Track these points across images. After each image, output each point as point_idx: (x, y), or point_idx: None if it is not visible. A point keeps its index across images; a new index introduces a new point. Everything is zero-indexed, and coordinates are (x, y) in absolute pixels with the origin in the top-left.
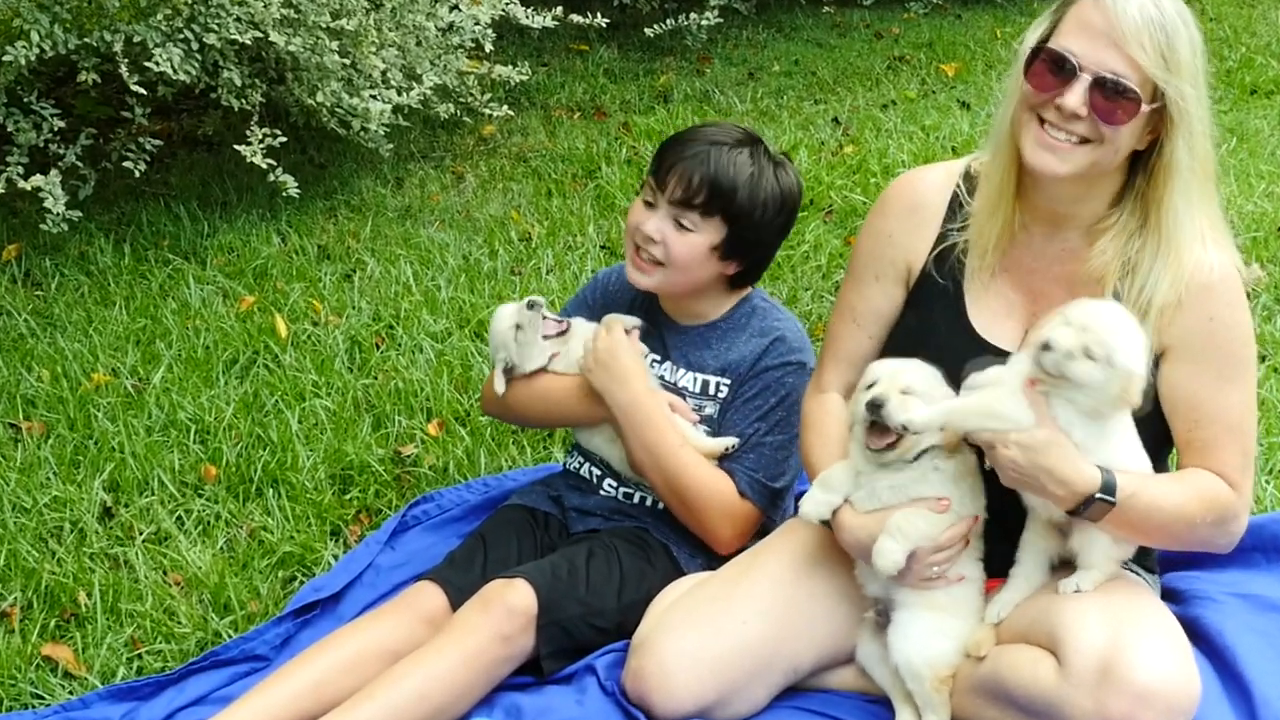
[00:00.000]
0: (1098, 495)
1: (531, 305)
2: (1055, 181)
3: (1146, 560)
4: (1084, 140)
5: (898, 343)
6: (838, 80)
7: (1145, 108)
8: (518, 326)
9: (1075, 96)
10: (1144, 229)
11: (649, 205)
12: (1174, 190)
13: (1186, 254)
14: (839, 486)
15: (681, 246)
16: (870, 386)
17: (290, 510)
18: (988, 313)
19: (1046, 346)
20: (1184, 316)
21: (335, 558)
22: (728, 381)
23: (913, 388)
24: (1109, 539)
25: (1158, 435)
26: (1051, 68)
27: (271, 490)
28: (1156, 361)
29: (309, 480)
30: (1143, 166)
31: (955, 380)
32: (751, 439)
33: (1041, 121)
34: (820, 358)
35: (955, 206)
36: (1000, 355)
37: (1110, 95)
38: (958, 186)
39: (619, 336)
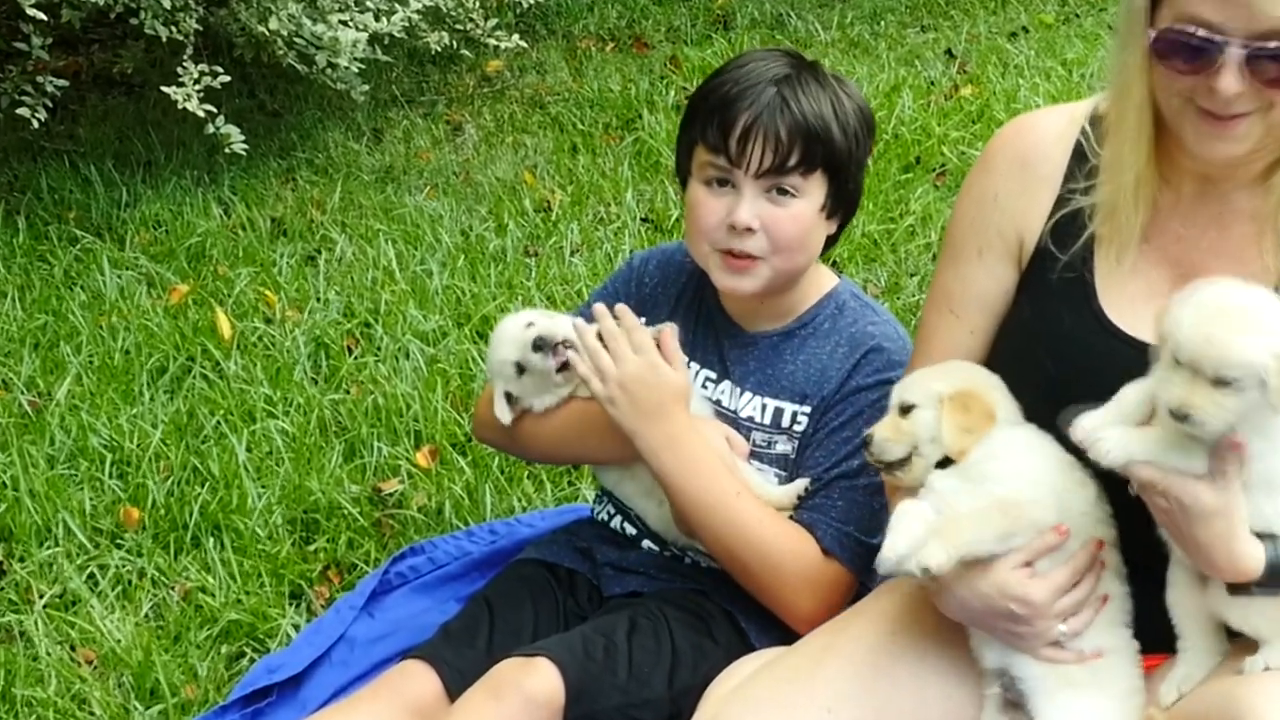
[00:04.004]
0: (1254, 589)
1: (540, 346)
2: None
3: None
4: (1251, 111)
5: (1010, 339)
6: (952, 0)
7: None
8: (519, 366)
9: (1230, 79)
10: None
11: (720, 186)
12: None
13: None
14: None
15: (789, 224)
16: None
17: (237, 566)
18: (1124, 297)
19: (1183, 415)
20: None
21: (296, 628)
22: (807, 410)
23: (917, 397)
24: None
25: None
26: (1186, 49)
27: (212, 540)
28: None
29: (261, 526)
30: None
31: (1089, 387)
32: (839, 481)
33: (1194, 103)
34: (910, 361)
35: (1079, 160)
36: (1141, 350)
37: (1273, 60)
38: (1083, 133)
39: (653, 357)
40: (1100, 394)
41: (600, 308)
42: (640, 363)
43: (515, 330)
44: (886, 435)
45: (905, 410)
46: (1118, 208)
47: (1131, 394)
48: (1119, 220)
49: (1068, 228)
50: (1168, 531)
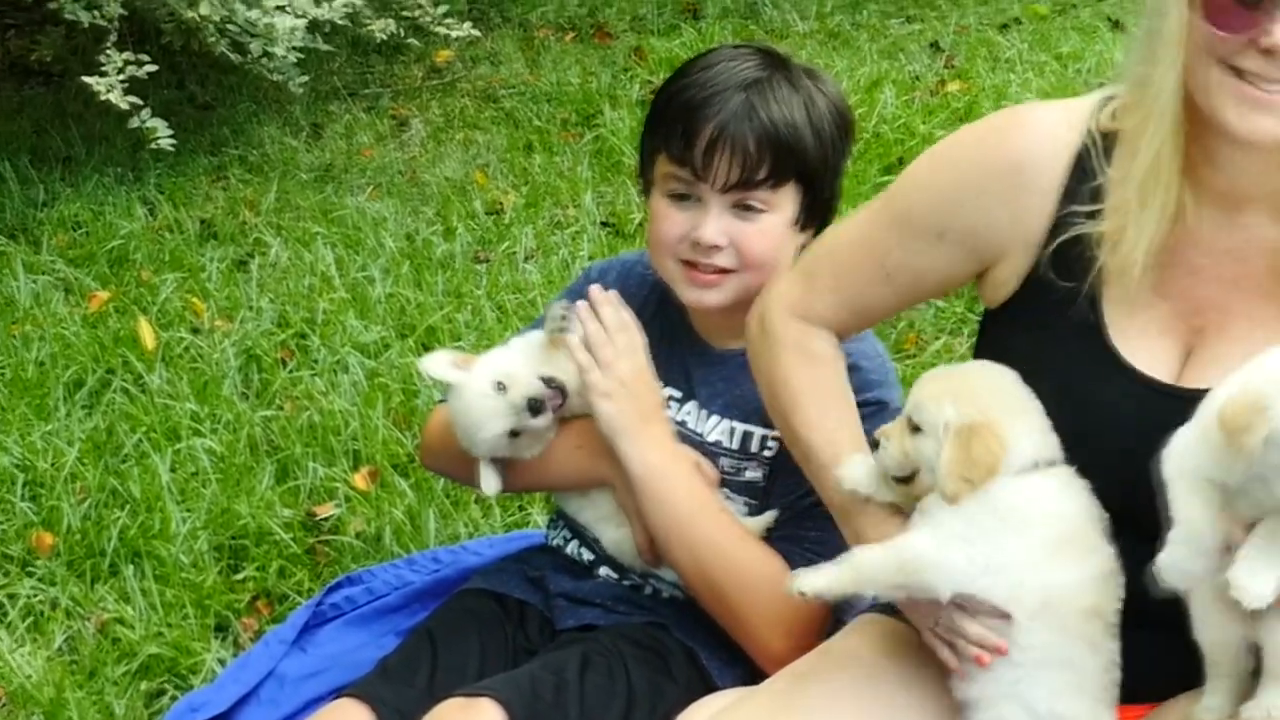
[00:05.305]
0: None
1: (537, 408)
2: (1267, 149)
3: None
4: None
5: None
6: None
7: None
8: (514, 434)
9: None
10: None
11: (683, 200)
12: None
13: None
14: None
15: (758, 240)
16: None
17: (158, 596)
18: (1135, 332)
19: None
20: None
21: (222, 663)
22: (777, 434)
23: (924, 420)
24: None
25: None
26: None
27: (131, 567)
28: None
29: (185, 553)
30: None
31: (1098, 426)
32: (813, 510)
33: (1238, 72)
34: (812, 271)
35: (1080, 176)
36: (1155, 388)
37: None
38: (1088, 141)
39: (645, 358)
40: (1108, 433)
41: (599, 293)
42: (639, 360)
43: (489, 398)
44: (893, 451)
45: (914, 428)
46: (1136, 241)
47: (1199, 518)
48: (1133, 252)
49: (1071, 254)
50: None
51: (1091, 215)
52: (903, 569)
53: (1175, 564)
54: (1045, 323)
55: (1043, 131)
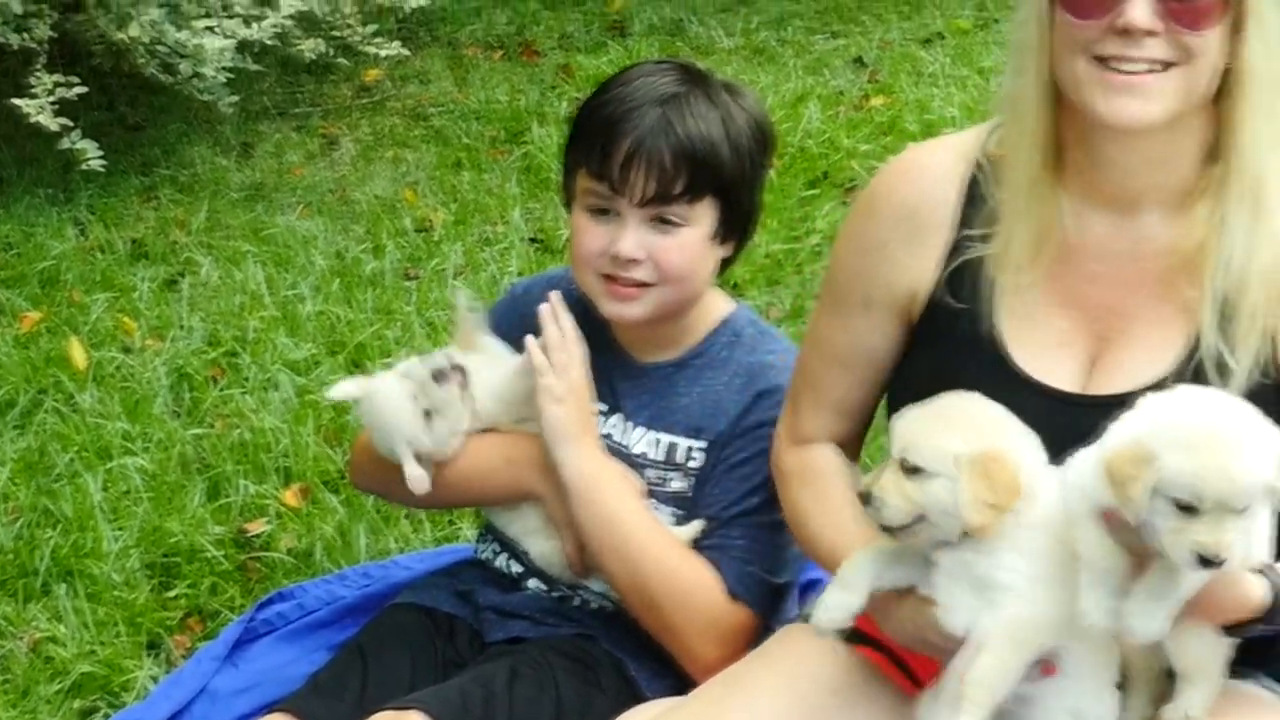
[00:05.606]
0: (1259, 628)
1: (439, 376)
2: (1142, 136)
3: None
4: (1166, 65)
5: (911, 392)
6: (862, 5)
7: None
8: (428, 413)
9: (1140, 8)
10: (1225, 180)
11: (601, 214)
12: (1250, 111)
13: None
14: (861, 582)
15: (676, 254)
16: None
17: (90, 614)
18: (1036, 344)
19: (1217, 559)
20: None
21: (153, 680)
22: (702, 445)
23: (925, 460)
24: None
25: None
26: None
27: (63, 586)
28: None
29: (116, 572)
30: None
31: None
32: (739, 520)
33: (1102, 62)
34: (794, 397)
35: (973, 202)
36: (1059, 399)
37: None
38: (977, 170)
39: (581, 353)
40: None
41: (558, 300)
42: (583, 371)
43: (395, 384)
44: (892, 501)
45: (911, 471)
46: (1020, 255)
47: (1104, 557)
48: (1021, 268)
49: (966, 276)
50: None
51: (985, 238)
52: (1023, 649)
53: (1096, 608)
54: (948, 345)
55: (929, 171)
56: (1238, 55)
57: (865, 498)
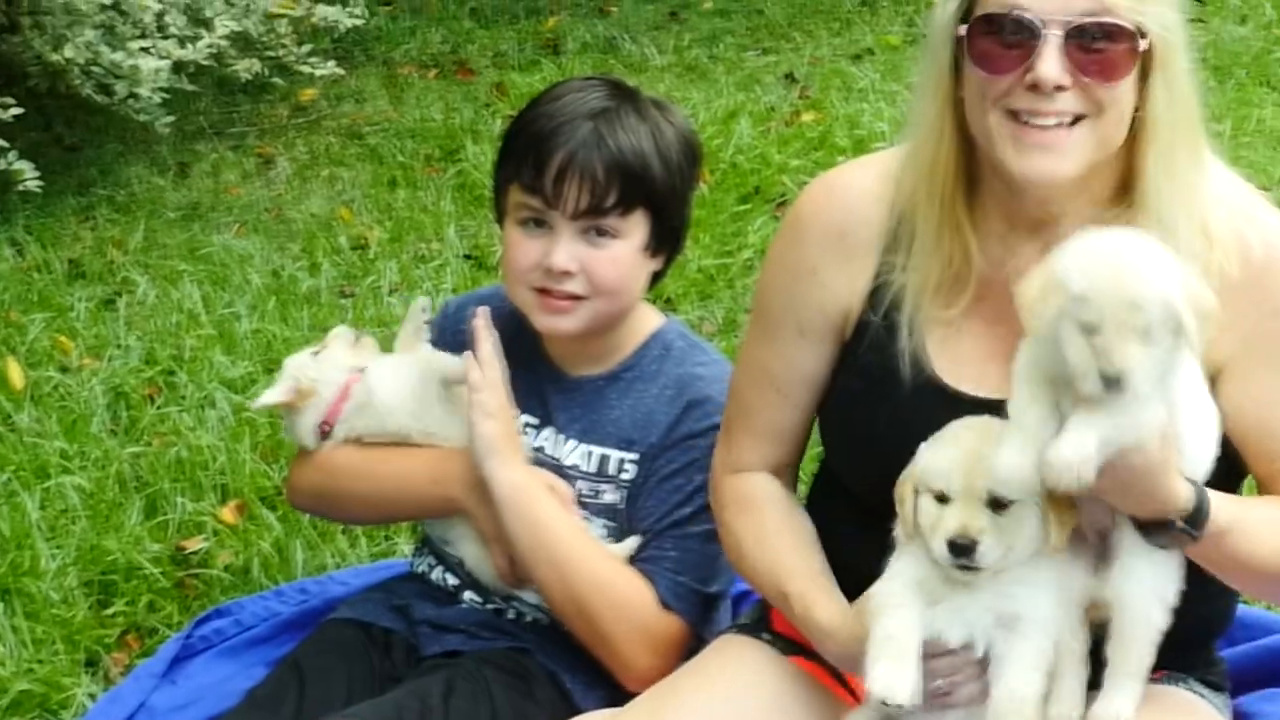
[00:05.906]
0: (1179, 524)
1: (355, 339)
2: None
3: (1211, 673)
4: (1078, 118)
5: (839, 411)
6: (793, 22)
7: (1141, 43)
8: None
9: (1050, 63)
10: (1133, 221)
11: (536, 226)
12: (1154, 158)
13: (1185, 238)
14: (914, 648)
15: (609, 267)
16: (940, 499)
17: (28, 632)
18: (960, 359)
19: (1117, 379)
20: (1236, 316)
21: (92, 697)
22: (634, 457)
23: (1000, 484)
24: (1152, 600)
25: (1229, 471)
26: (1000, 39)
27: (1, 605)
28: (1212, 382)
29: (54, 590)
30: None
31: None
32: (670, 531)
33: (1014, 115)
34: (728, 426)
35: (899, 221)
36: (985, 408)
37: (1094, 43)
38: (897, 194)
39: (496, 376)
40: None
41: (486, 318)
42: (506, 387)
43: (307, 360)
44: (993, 544)
45: (999, 506)
46: (932, 288)
47: (1030, 418)
48: (941, 297)
49: (888, 297)
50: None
51: (904, 269)
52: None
53: (1008, 463)
54: (874, 361)
55: (854, 192)
56: (1144, 102)
57: (964, 549)
